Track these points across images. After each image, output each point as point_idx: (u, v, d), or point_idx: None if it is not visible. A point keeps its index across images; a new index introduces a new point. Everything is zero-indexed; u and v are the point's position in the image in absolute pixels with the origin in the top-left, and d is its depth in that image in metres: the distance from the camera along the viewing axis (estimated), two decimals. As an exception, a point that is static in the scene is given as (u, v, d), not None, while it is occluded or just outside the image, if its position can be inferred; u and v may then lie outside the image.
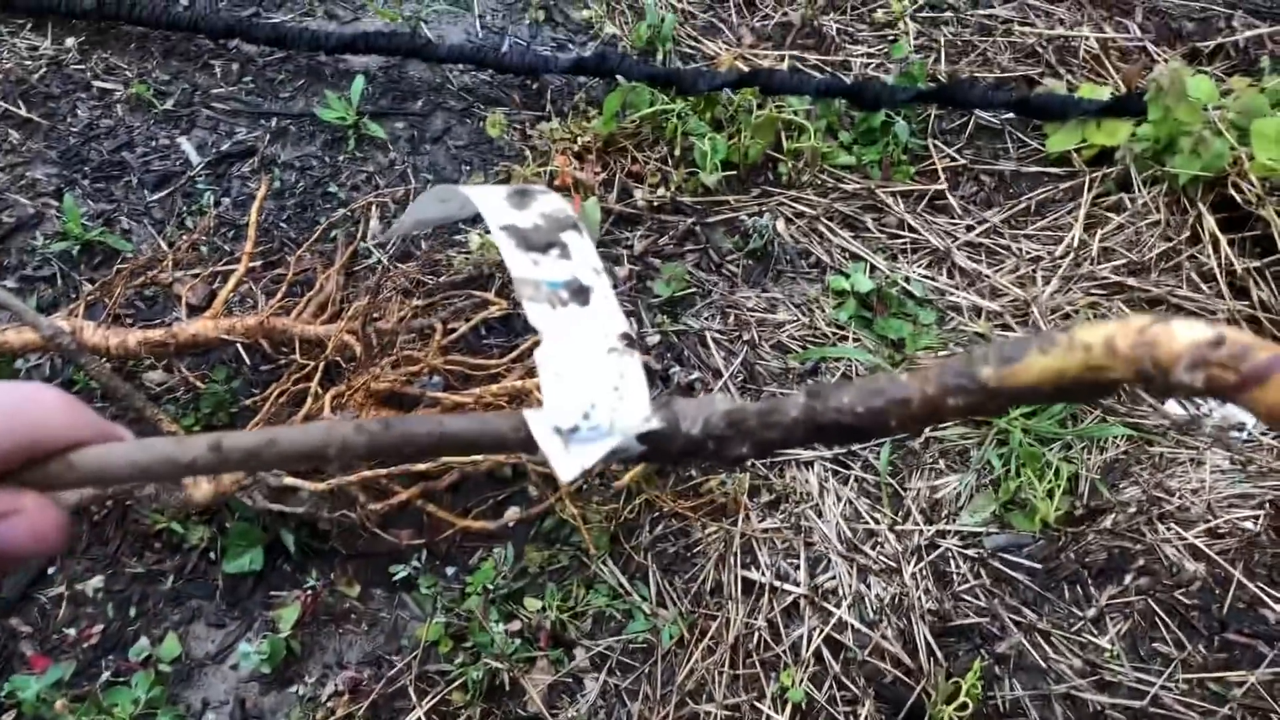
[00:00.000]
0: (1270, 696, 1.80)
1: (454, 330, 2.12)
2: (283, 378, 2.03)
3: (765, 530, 1.98)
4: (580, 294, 0.52)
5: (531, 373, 1.97)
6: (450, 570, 1.91)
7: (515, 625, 1.81)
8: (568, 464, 0.47)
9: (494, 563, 1.86)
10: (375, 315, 2.07)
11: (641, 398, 0.48)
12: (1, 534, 0.42)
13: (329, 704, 1.74)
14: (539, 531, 1.97)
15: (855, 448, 2.12)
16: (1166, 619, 1.90)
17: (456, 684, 1.75)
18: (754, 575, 1.92)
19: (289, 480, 1.78)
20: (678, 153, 2.58)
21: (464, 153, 2.67)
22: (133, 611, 1.83)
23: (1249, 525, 2.04)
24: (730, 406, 0.48)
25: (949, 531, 2.01)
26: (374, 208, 2.47)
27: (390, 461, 1.86)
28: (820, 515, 2.02)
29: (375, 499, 1.85)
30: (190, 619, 1.84)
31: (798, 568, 1.93)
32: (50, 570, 1.87)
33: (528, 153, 2.59)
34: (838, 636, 1.85)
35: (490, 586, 1.82)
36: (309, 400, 1.89)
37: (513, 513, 1.97)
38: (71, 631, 1.79)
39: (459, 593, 1.86)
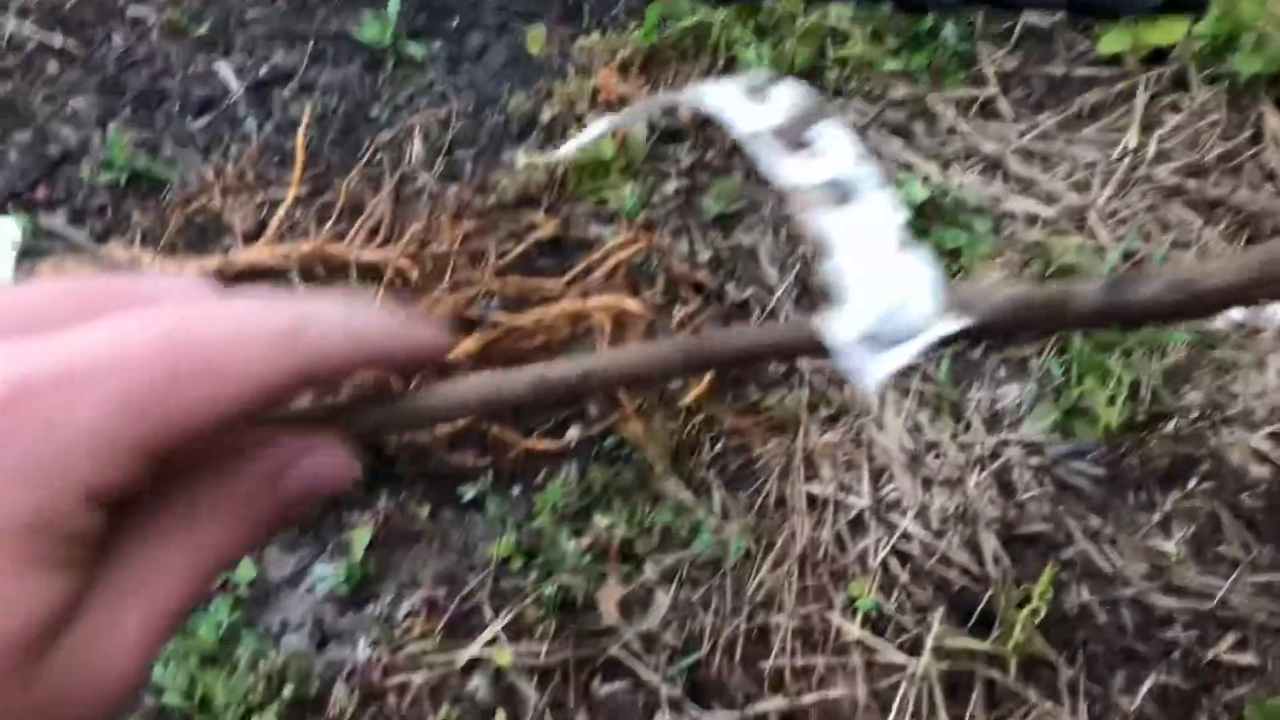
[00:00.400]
0: (1337, 596, 1.81)
1: (506, 253, 2.10)
2: (340, 303, 2.02)
3: (826, 445, 1.98)
4: (852, 189, 0.50)
5: (586, 294, 1.96)
6: (516, 489, 1.93)
7: (586, 541, 1.83)
8: (872, 370, 0.46)
9: (561, 479, 1.87)
10: (429, 239, 2.06)
11: (933, 291, 0.46)
12: (300, 472, 0.39)
13: (405, 623, 1.77)
14: (601, 450, 1.97)
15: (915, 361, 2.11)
16: (1232, 523, 1.90)
17: (530, 599, 1.77)
18: (817, 489, 1.92)
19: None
20: (721, 63, 2.53)
21: (505, 70, 2.62)
22: (207, 537, 1.86)
23: (1313, 428, 2.02)
24: (1017, 297, 0.46)
25: (1011, 441, 2.00)
26: (417, 130, 2.45)
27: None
28: (881, 428, 2.01)
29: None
30: (265, 544, 1.86)
31: (860, 481, 1.94)
32: (123, 499, 1.89)
33: (570, 69, 2.55)
34: (904, 547, 1.86)
35: (558, 503, 1.84)
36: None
37: (574, 432, 1.97)
38: (149, 558, 1.82)
39: (526, 511, 1.88)
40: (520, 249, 2.07)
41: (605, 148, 2.33)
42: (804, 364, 2.09)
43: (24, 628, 0.33)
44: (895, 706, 1.67)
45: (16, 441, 0.32)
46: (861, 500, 1.91)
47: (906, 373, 2.09)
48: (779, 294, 2.19)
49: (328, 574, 1.77)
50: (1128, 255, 2.22)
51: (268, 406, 0.36)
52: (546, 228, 2.15)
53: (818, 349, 0.46)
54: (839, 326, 0.46)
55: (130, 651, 0.36)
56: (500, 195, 2.32)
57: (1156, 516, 1.92)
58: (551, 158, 2.35)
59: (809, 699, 1.67)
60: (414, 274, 1.95)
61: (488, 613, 1.77)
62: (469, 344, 1.87)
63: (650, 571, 1.82)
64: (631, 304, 1.83)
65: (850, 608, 1.78)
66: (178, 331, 0.33)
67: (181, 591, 0.37)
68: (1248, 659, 1.76)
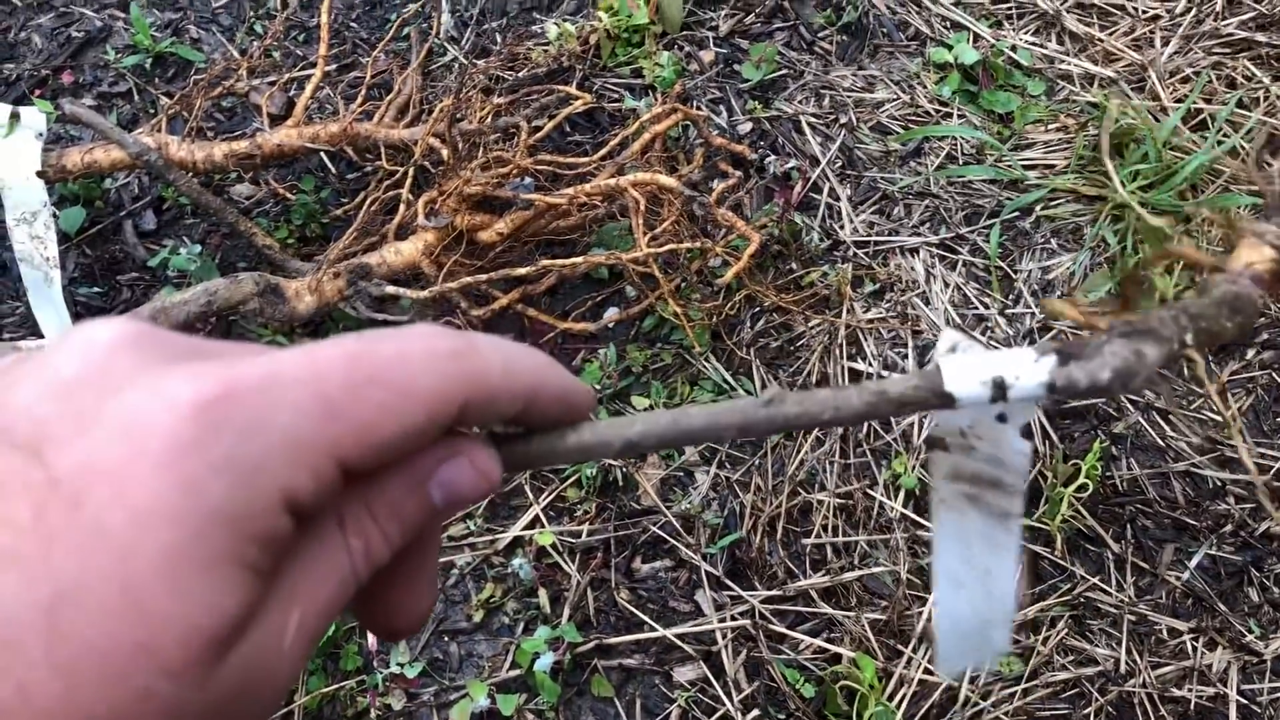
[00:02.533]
0: (1400, 467, 1.76)
1: (539, 129, 2.04)
2: (371, 185, 1.99)
3: (870, 320, 1.93)
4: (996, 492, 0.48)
5: (622, 170, 1.90)
6: (554, 372, 1.91)
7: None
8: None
9: (599, 363, 1.85)
10: (459, 116, 2.00)
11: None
12: (447, 478, 0.40)
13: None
14: (639, 331, 1.94)
15: (963, 230, 2.04)
16: (1291, 393, 1.85)
17: (570, 480, 1.77)
18: (860, 366, 1.89)
19: (390, 289, 1.77)
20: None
21: (534, -65, 2.51)
22: (249, 424, 1.87)
23: (1382, 293, 1.94)
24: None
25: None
26: (444, 1, 2.36)
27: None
28: (927, 302, 1.96)
29: (476, 305, 1.84)
30: (305, 429, 1.87)
31: (905, 357, 1.89)
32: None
33: (602, -69, 2.43)
34: (949, 423, 1.82)
35: (597, 386, 1.82)
36: (401, 208, 1.86)
37: (612, 313, 1.94)
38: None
39: (565, 394, 1.86)
40: (552, 125, 2.01)
41: (640, 14, 2.23)
42: (848, 237, 2.03)
43: (212, 625, 0.33)
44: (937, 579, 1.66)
45: (223, 438, 0.33)
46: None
47: (954, 247, 2.03)
48: (823, 165, 2.12)
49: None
50: (1189, 116, 2.11)
51: (438, 424, 0.38)
52: (581, 100, 2.08)
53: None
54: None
55: (293, 656, 0.37)
56: (532, 68, 2.24)
57: (1213, 388, 1.86)
58: (584, 26, 2.26)
59: (850, 576, 1.67)
60: (444, 152, 1.90)
61: (529, 494, 1.77)
62: (501, 225, 1.84)
63: (690, 452, 1.81)
64: (666, 180, 1.77)
65: (894, 484, 1.76)
66: (356, 347, 0.37)
67: (336, 595, 0.38)
68: (1303, 531, 1.72)
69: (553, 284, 1.94)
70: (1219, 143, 2.03)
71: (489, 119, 2.02)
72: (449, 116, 1.87)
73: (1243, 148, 2.07)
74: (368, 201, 1.86)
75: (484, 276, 1.77)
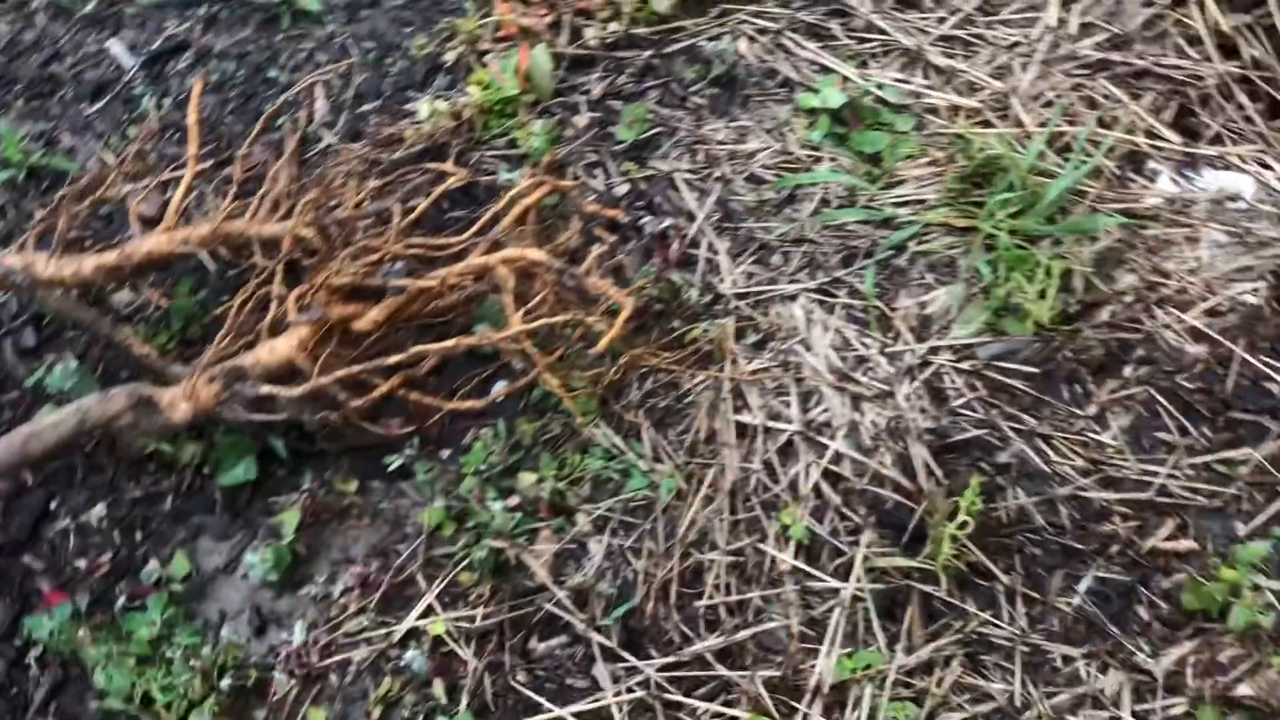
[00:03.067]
0: (1276, 469, 1.79)
1: (414, 209, 2.05)
2: (248, 282, 1.98)
3: (754, 372, 1.95)
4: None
5: (498, 245, 1.91)
6: (445, 453, 1.91)
7: (513, 500, 1.81)
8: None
9: (484, 442, 1.85)
10: (330, 204, 2.01)
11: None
12: None
13: (341, 600, 1.77)
14: (528, 403, 1.95)
15: (840, 273, 2.06)
16: (1169, 406, 1.87)
17: (462, 565, 1.77)
18: (746, 418, 1.90)
19: (266, 389, 1.77)
20: (629, -25, 2.44)
21: (404, 13, 2.55)
22: (138, 535, 1.86)
23: (1249, 299, 1.98)
24: None
25: (941, 347, 1.97)
26: (318, 87, 2.38)
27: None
28: (809, 348, 1.98)
29: (356, 395, 1.83)
30: (195, 535, 1.86)
31: (790, 405, 1.91)
32: (52, 505, 1.89)
33: (469, 4, 2.46)
34: (835, 468, 1.84)
35: (484, 466, 1.82)
36: (274, 304, 1.86)
37: (499, 388, 1.95)
38: (82, 563, 1.82)
39: (456, 475, 1.87)
40: (426, 203, 2.02)
41: (510, 84, 2.25)
42: (728, 290, 2.05)
43: None
44: (830, 632, 1.67)
45: None
46: (791, 425, 1.88)
47: (832, 290, 2.05)
48: (700, 220, 2.14)
49: (260, 560, 1.77)
50: (1053, 139, 2.15)
51: None
52: (455, 177, 2.09)
53: None
54: None
55: None
56: (407, 147, 2.25)
57: (1092, 409, 1.89)
58: (456, 102, 2.28)
59: (744, 634, 1.67)
60: (318, 243, 1.91)
61: (422, 583, 1.77)
62: (375, 314, 1.84)
63: (582, 523, 1.81)
64: (534, 254, 1.79)
65: (784, 536, 1.77)
66: None
67: None
68: (1186, 544, 1.74)
69: (437, 364, 1.94)
70: (1081, 164, 2.07)
71: (363, 204, 2.03)
72: (318, 205, 1.88)
73: (1102, 165, 2.11)
74: (238, 302, 1.86)
75: (357, 368, 1.77)
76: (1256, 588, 1.67)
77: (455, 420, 1.94)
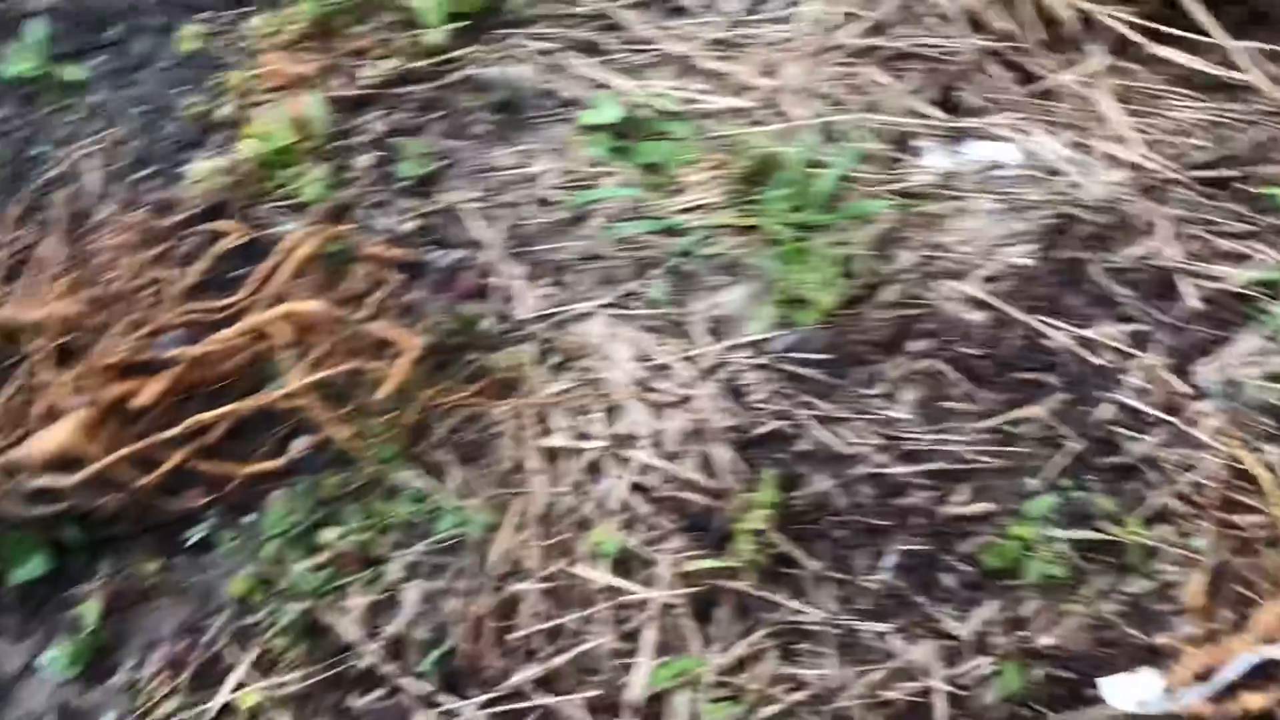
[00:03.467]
0: (1058, 424, 1.86)
1: (196, 272, 2.01)
2: (20, 370, 1.91)
3: (558, 394, 1.95)
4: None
5: (280, 299, 1.88)
6: (249, 518, 1.87)
7: (321, 558, 1.78)
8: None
9: (280, 503, 1.82)
10: (104, 279, 1.95)
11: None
12: None
13: (151, 686, 1.72)
14: (331, 457, 1.92)
15: (633, 284, 2.08)
16: (954, 376, 1.93)
17: (274, 632, 1.73)
18: (553, 442, 1.90)
19: (43, 480, 1.71)
20: (398, 16, 2.43)
21: (175, 73, 2.49)
22: (-70, 648, 1.77)
23: (1022, 261, 2.06)
24: None
25: (736, 345, 2.00)
26: (88, 159, 2.31)
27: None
28: (610, 364, 1.99)
29: (144, 472, 1.78)
30: (-9, 640, 1.79)
31: (594, 423, 1.92)
32: None
33: (239, 58, 2.42)
34: (642, 480, 1.85)
35: (283, 527, 1.79)
36: (45, 391, 1.79)
37: (299, 444, 1.92)
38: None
39: (261, 540, 1.83)
40: (200, 267, 1.98)
41: (282, 133, 2.22)
42: (525, 315, 2.05)
43: None
44: (647, 641, 1.68)
45: None
46: (597, 442, 1.89)
47: (626, 303, 2.07)
48: (492, 249, 2.14)
49: (58, 655, 1.71)
50: (826, 131, 2.21)
51: None
52: (232, 235, 2.05)
53: None
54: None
55: None
56: (185, 210, 2.20)
57: (883, 388, 1.94)
58: (231, 158, 2.24)
59: (562, 659, 1.67)
60: (90, 321, 1.85)
61: (233, 655, 1.72)
62: (154, 387, 1.79)
63: (394, 571, 1.79)
64: (308, 307, 1.76)
65: (595, 555, 1.78)
66: None
67: None
68: (982, 507, 1.80)
69: (229, 428, 1.90)
70: (849, 151, 2.13)
71: (138, 275, 1.97)
72: (83, 284, 1.83)
73: (872, 150, 2.18)
74: (8, 393, 1.79)
75: (137, 445, 1.72)
76: (1050, 540, 1.74)
77: (257, 483, 1.90)
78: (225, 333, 1.78)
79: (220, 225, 2.10)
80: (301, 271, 1.94)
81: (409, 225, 2.18)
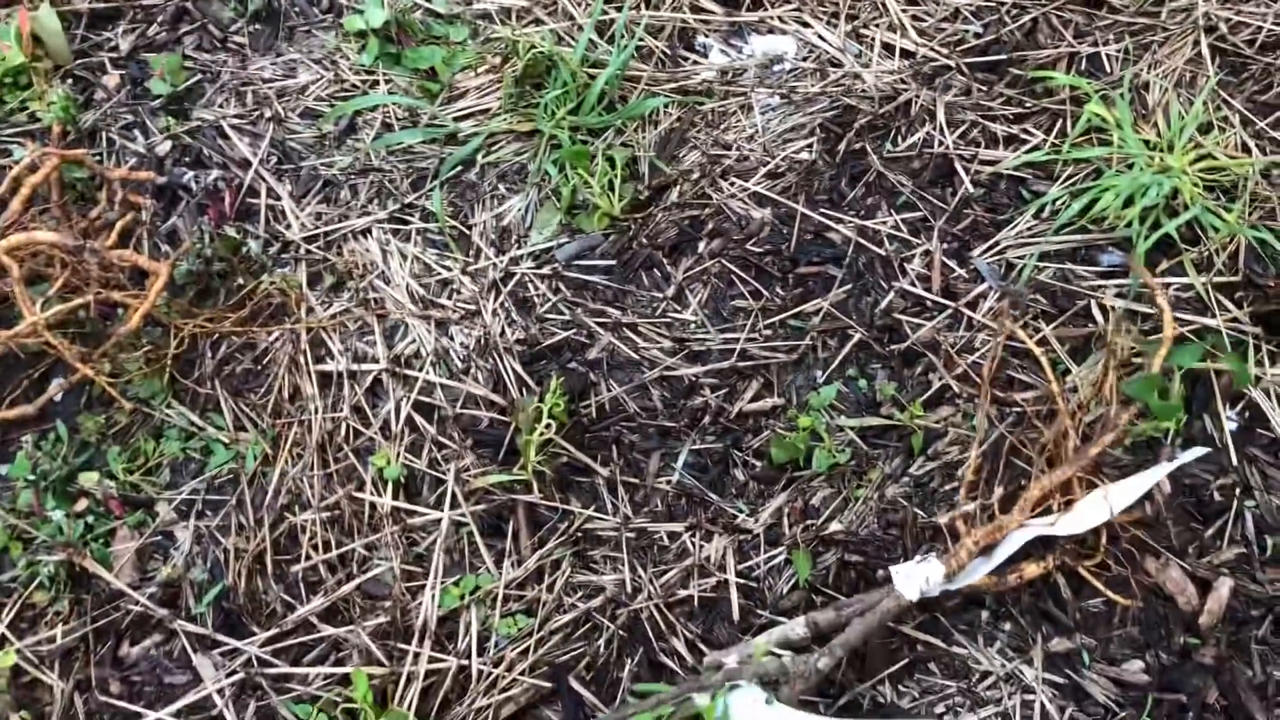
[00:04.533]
0: (843, 314, 1.87)
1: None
2: None
3: (333, 316, 1.86)
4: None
5: (4, 233, 1.72)
6: (3, 469, 1.73)
7: (81, 504, 1.67)
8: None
9: (26, 450, 1.68)
10: None
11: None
12: None
13: (-104, 656, 1.58)
14: (91, 397, 1.79)
15: (411, 197, 1.99)
16: (742, 274, 1.92)
17: (34, 586, 1.61)
18: (329, 366, 1.82)
19: None
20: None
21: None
22: None
23: (804, 155, 2.05)
24: None
25: (522, 256, 1.94)
26: None
27: None
28: (388, 281, 1.91)
29: None
30: None
31: (374, 344, 1.84)
32: None
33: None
34: (427, 399, 1.79)
35: (35, 475, 1.66)
36: None
37: (55, 386, 1.78)
38: None
39: (14, 491, 1.69)
40: (-76, 202, 1.79)
41: (15, 53, 2.02)
42: (295, 235, 1.94)
43: None
44: (436, 562, 1.63)
45: None
46: (377, 364, 1.82)
47: (404, 217, 1.98)
48: (255, 166, 2.01)
49: None
50: (600, 29, 2.14)
51: None
52: (-40, 167, 1.87)
53: None
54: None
55: None
56: (-92, 141, 2.00)
57: (671, 290, 1.92)
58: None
59: (348, 588, 1.61)
60: None
61: (-11, 614, 1.61)
62: None
63: (165, 512, 1.69)
64: (43, 236, 1.62)
65: (380, 479, 1.71)
66: None
67: None
68: (771, 401, 1.81)
69: (-30, 376, 1.75)
70: (624, 47, 2.07)
71: None
72: None
73: (652, 47, 2.13)
74: None
75: None
76: (837, 429, 1.76)
77: (10, 431, 1.76)
78: (-51, 269, 1.62)
79: (-53, 154, 1.91)
80: (36, 200, 1.78)
81: (164, 146, 2.03)
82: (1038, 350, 1.75)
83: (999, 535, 1.57)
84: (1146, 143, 1.97)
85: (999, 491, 1.67)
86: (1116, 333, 1.70)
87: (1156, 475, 1.63)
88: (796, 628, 1.52)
